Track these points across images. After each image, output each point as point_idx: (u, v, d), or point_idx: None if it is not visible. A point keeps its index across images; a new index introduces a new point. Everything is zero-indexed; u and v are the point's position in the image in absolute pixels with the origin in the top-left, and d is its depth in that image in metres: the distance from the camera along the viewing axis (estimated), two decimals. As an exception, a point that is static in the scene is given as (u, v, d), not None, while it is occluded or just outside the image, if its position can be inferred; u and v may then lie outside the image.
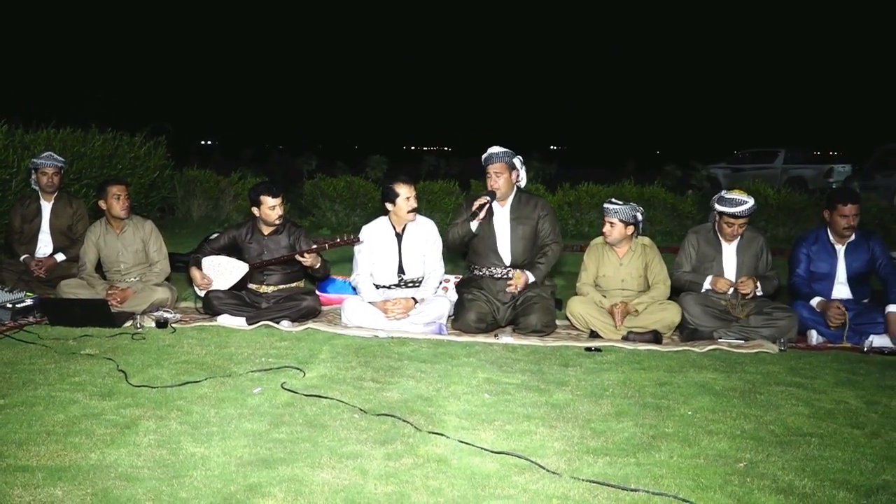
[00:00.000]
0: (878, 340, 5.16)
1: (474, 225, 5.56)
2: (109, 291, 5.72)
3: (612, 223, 5.48)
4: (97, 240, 5.93)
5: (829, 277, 5.54)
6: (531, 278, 5.56)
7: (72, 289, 5.77)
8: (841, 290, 5.53)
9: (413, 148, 62.15)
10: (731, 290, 5.41)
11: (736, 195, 5.44)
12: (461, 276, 6.07)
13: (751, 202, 5.39)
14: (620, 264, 5.54)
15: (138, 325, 5.28)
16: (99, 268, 6.00)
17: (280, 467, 3.01)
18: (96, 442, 3.23)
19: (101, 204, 5.91)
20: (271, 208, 5.66)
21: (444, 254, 5.79)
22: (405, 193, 5.53)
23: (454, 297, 5.82)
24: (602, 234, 5.59)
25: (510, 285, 5.53)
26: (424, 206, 11.07)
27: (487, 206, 5.53)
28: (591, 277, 5.62)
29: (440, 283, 5.86)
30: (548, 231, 5.66)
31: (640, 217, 5.57)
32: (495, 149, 5.67)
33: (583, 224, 11.61)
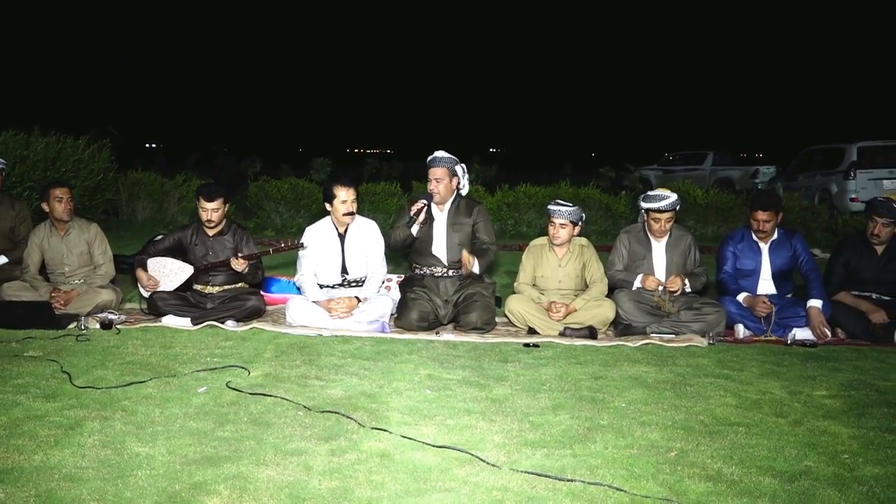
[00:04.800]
0: (801, 333, 5.36)
1: (415, 229, 5.65)
2: (53, 294, 5.65)
3: (562, 224, 5.56)
4: (41, 242, 5.85)
5: (755, 274, 5.73)
6: (476, 266, 5.64)
7: (14, 291, 5.66)
8: (766, 286, 5.72)
9: (356, 151, 61.90)
10: (661, 287, 5.56)
11: (659, 192, 5.62)
12: (404, 276, 6.14)
13: (673, 197, 5.55)
14: (559, 265, 5.64)
15: (82, 327, 5.23)
16: (43, 270, 5.91)
17: (225, 465, 3.03)
18: (40, 443, 3.21)
19: (45, 206, 5.83)
20: (204, 210, 5.69)
21: (386, 253, 5.86)
22: (342, 196, 5.57)
23: (397, 295, 5.90)
24: (548, 235, 5.65)
25: (463, 265, 5.60)
26: (367, 208, 11.11)
27: (425, 208, 5.62)
28: (529, 277, 5.72)
29: (383, 282, 5.92)
30: (482, 236, 5.76)
31: (583, 217, 5.72)
32: (440, 153, 5.74)
33: (521, 224, 11.82)
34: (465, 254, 5.62)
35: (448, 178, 5.69)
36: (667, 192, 5.58)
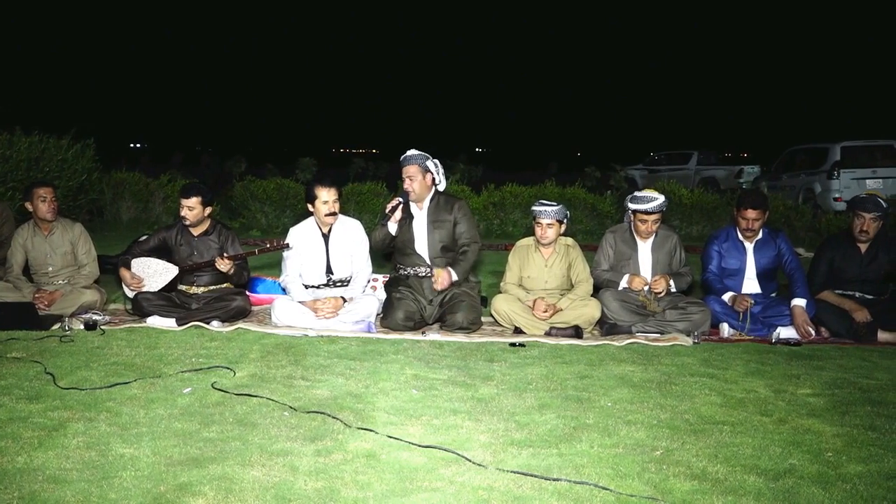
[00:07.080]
0: (785, 332, 5.40)
1: (392, 227, 5.66)
2: (36, 294, 5.62)
3: (549, 224, 5.55)
4: (25, 242, 5.81)
5: (740, 273, 5.76)
6: (454, 276, 5.65)
7: (-2, 292, 5.64)
8: (750, 285, 5.75)
9: (342, 150, 61.87)
10: (646, 287, 5.58)
11: (647, 193, 5.64)
12: (389, 276, 6.14)
13: (661, 199, 5.58)
14: (546, 265, 5.65)
15: (66, 328, 5.20)
16: (26, 271, 5.88)
17: (210, 466, 3.02)
18: (23, 445, 3.19)
19: (28, 206, 5.80)
20: (180, 206, 5.71)
21: (371, 253, 5.86)
22: (324, 197, 5.56)
23: (382, 295, 5.89)
24: (535, 235, 5.65)
25: (434, 282, 5.62)
26: (353, 208, 11.09)
27: (400, 206, 5.63)
28: (516, 278, 5.73)
29: (368, 282, 5.92)
30: (464, 232, 5.76)
31: (568, 214, 5.74)
32: (410, 152, 5.77)
33: (507, 224, 11.83)
34: (436, 272, 5.62)
35: (421, 175, 5.69)
36: (654, 194, 5.60)
